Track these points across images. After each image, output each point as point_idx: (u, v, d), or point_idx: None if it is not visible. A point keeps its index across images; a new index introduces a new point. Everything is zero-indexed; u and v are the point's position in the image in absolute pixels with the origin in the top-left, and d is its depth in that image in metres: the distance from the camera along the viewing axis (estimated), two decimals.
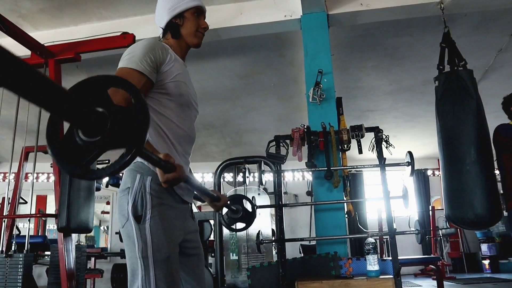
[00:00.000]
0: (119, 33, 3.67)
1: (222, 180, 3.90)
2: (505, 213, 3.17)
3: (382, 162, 2.92)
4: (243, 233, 3.77)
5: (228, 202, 1.64)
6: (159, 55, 1.36)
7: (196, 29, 1.52)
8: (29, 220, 3.60)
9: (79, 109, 0.63)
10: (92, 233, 7.18)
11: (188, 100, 1.45)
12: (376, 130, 3.04)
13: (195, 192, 1.48)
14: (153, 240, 1.23)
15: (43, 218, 7.64)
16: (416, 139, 7.78)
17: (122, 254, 5.63)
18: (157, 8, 1.56)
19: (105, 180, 5.19)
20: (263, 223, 3.74)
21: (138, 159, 1.34)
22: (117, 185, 5.06)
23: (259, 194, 3.81)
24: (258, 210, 3.80)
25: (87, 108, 0.66)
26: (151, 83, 1.34)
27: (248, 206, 1.75)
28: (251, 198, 3.11)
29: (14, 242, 3.52)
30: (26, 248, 3.37)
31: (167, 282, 1.21)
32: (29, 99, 0.53)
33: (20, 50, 3.78)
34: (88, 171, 0.70)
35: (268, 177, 3.24)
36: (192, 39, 1.53)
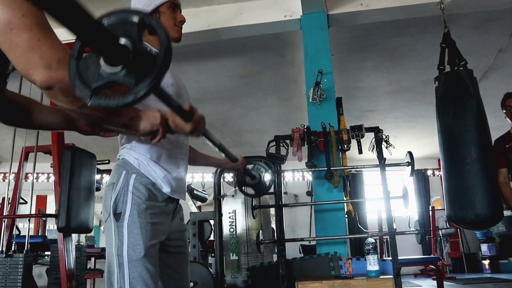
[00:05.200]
0: None
1: (222, 180, 3.90)
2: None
3: (382, 162, 2.92)
4: (243, 233, 3.77)
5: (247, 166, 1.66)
6: None
7: (173, 23, 1.51)
8: (29, 220, 3.60)
9: (104, 38, 0.65)
10: (92, 233, 7.16)
11: (178, 91, 1.44)
12: (376, 130, 3.04)
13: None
14: (129, 239, 1.23)
15: (43, 218, 7.63)
16: (416, 139, 7.78)
17: None
18: (131, 6, 1.56)
19: (105, 180, 5.18)
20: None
21: (125, 155, 1.35)
22: None
23: None
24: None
25: (112, 39, 0.68)
26: None
27: (266, 177, 1.73)
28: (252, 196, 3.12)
29: (14, 242, 3.52)
30: (26, 248, 3.37)
31: (142, 280, 1.22)
32: (59, 20, 0.55)
33: None
34: (96, 95, 0.69)
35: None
36: (171, 34, 1.51)
